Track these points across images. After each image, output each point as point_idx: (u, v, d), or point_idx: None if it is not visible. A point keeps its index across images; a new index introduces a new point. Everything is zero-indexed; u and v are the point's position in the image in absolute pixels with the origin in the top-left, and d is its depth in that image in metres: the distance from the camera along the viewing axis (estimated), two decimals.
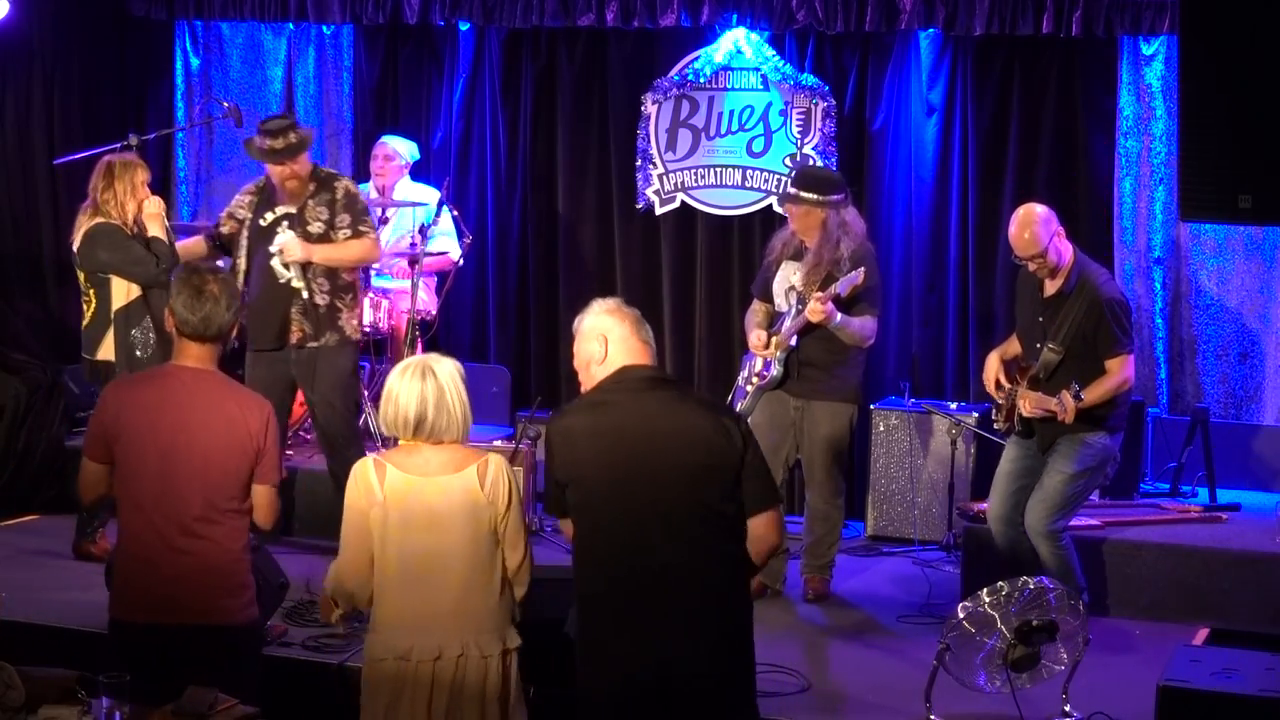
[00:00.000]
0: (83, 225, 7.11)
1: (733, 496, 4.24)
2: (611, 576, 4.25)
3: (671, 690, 4.19)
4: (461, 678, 4.46)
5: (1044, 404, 6.28)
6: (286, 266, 7.18)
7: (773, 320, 7.13)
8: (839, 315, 6.81)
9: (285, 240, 7.17)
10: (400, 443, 4.57)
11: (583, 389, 4.45)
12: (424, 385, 4.49)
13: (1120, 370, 6.38)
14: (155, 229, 7.08)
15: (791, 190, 7.08)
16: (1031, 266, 6.47)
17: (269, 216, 7.26)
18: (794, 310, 6.96)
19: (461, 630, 4.47)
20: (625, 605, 4.22)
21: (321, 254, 7.19)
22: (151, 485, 4.69)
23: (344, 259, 7.26)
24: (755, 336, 7.11)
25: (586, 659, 4.30)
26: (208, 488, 4.68)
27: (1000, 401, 6.63)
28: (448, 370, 4.53)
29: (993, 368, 6.67)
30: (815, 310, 6.75)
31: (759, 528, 4.27)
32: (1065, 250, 6.46)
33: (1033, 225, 6.39)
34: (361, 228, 7.27)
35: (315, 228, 7.21)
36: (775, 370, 7.01)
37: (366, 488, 4.50)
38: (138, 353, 7.04)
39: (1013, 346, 6.74)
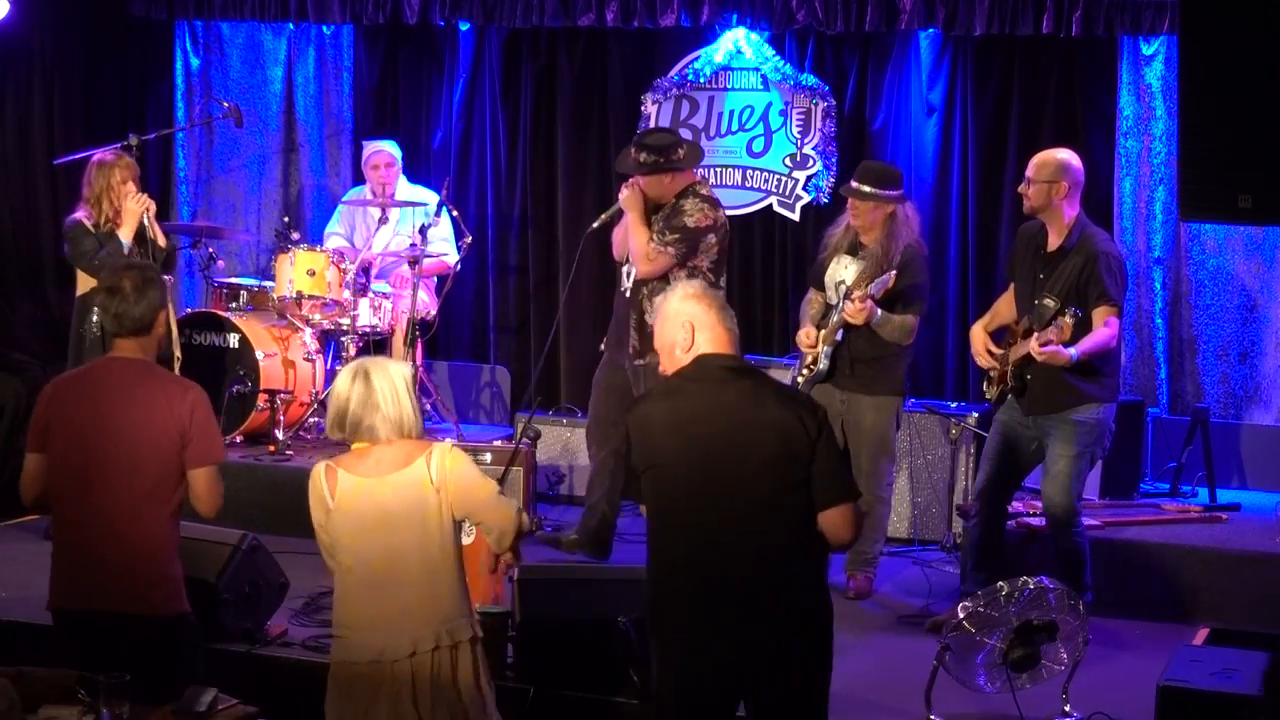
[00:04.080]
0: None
1: (805, 488, 4.28)
2: (685, 561, 4.31)
3: (747, 674, 4.28)
4: (438, 669, 4.47)
5: (1043, 336, 6.24)
6: (626, 275, 7.18)
7: (825, 312, 7.15)
8: (879, 313, 6.85)
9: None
10: (354, 447, 4.57)
11: (664, 371, 4.50)
12: (353, 387, 4.50)
13: (1105, 322, 6.30)
14: (127, 228, 7.40)
15: (855, 185, 7.00)
16: (1024, 190, 6.46)
17: None
18: (840, 306, 7.00)
19: (431, 622, 4.47)
20: (699, 591, 4.28)
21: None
22: (78, 473, 4.75)
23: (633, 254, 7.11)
24: (804, 334, 7.16)
25: (662, 646, 4.35)
26: (132, 474, 4.72)
27: (994, 364, 6.58)
28: (384, 372, 4.52)
29: (979, 338, 6.66)
30: (853, 311, 6.82)
31: (828, 521, 4.30)
32: (1071, 208, 6.44)
33: (1060, 159, 6.44)
34: (666, 236, 7.04)
35: None
36: (823, 364, 7.07)
37: (320, 499, 4.52)
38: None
39: (994, 319, 6.72)
